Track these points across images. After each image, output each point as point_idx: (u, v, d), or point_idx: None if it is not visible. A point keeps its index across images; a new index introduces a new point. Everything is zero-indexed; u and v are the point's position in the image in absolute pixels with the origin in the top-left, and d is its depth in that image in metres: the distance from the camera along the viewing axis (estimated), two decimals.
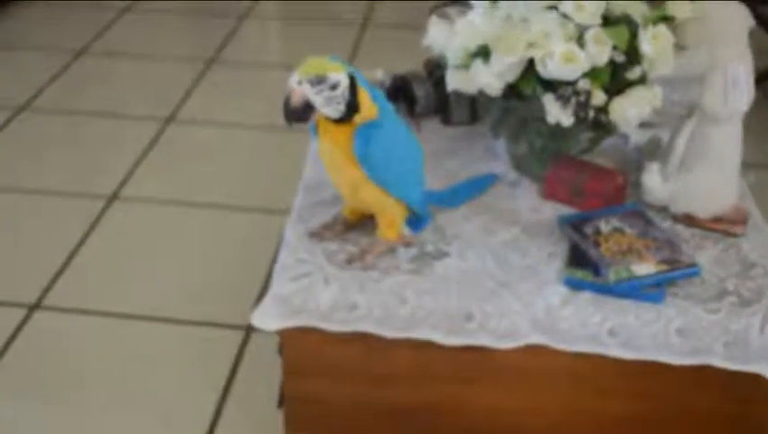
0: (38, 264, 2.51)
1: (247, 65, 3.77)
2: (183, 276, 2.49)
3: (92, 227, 2.68)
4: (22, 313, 2.33)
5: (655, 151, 1.75)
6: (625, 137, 1.81)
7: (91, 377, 2.15)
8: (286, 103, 1.33)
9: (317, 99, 1.33)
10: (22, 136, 3.19)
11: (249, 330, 2.24)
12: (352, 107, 1.36)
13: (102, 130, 3.24)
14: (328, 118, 1.37)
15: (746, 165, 1.67)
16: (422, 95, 1.88)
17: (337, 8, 4.37)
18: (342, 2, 4.43)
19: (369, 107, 1.38)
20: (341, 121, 1.37)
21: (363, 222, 1.56)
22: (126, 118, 3.32)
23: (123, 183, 2.89)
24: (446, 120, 1.89)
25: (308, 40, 4.00)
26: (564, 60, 1.48)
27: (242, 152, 3.12)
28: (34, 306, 2.36)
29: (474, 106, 1.86)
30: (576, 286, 1.47)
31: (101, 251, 2.59)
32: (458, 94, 1.71)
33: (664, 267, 1.47)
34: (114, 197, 2.83)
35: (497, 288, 1.48)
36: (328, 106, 1.34)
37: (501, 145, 1.80)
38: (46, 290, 2.42)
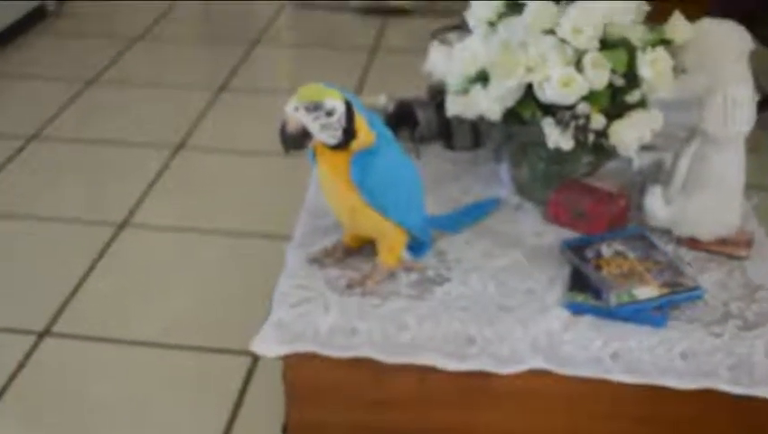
0: (47, 291, 2.52)
1: (257, 92, 3.79)
2: (192, 302, 2.49)
3: (101, 254, 2.69)
4: (31, 340, 2.34)
5: (658, 174, 1.74)
6: (628, 160, 1.80)
7: (99, 404, 2.15)
8: (283, 130, 1.34)
9: (313, 126, 1.34)
10: (33, 164, 3.22)
11: (257, 356, 2.24)
12: (349, 133, 1.36)
13: (113, 158, 3.26)
14: (325, 145, 1.38)
15: (751, 187, 1.66)
16: (424, 120, 1.89)
17: (347, 34, 4.40)
18: (353, 28, 4.46)
19: (367, 133, 1.39)
20: (338, 147, 1.38)
21: (364, 248, 1.56)
22: (136, 146, 3.34)
23: (133, 211, 2.91)
24: (449, 145, 1.90)
25: (318, 66, 4.02)
26: (561, 84, 1.48)
27: (252, 178, 3.13)
28: (43, 334, 2.37)
29: (477, 130, 1.87)
30: (577, 310, 1.47)
31: (110, 278, 2.60)
32: (460, 119, 1.71)
33: (666, 290, 1.47)
34: (124, 224, 2.84)
35: (498, 313, 1.47)
36: (324, 132, 1.35)
37: (503, 169, 1.80)
38: (55, 317, 2.43)
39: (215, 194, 3.04)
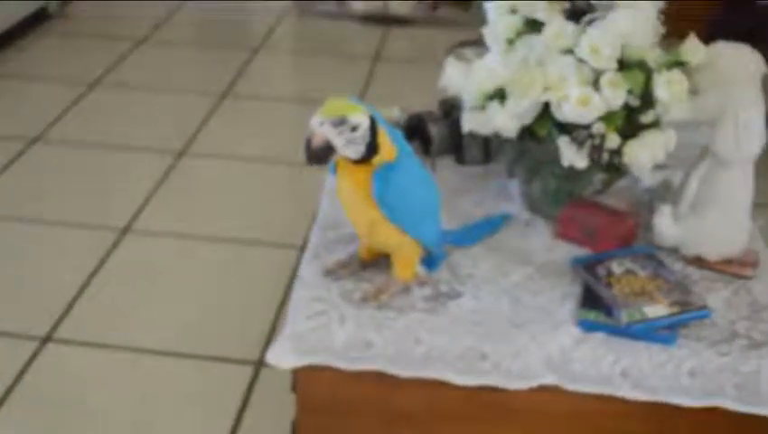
0: (50, 296, 2.53)
1: (259, 98, 3.81)
2: (194, 310, 2.50)
3: (104, 260, 2.70)
4: (33, 345, 2.34)
5: (667, 193, 1.76)
6: (637, 179, 1.82)
7: (101, 410, 2.15)
8: (308, 145, 1.35)
9: (338, 141, 1.34)
10: (35, 167, 3.22)
11: (259, 365, 2.25)
12: (372, 148, 1.37)
13: (115, 163, 3.27)
14: (348, 159, 1.39)
15: (759, 206, 1.68)
16: (436, 134, 1.90)
17: (349, 42, 4.42)
18: (355, 36, 4.47)
19: (389, 148, 1.40)
20: (360, 162, 1.39)
21: (378, 261, 1.57)
22: (138, 151, 3.34)
23: (135, 216, 2.91)
24: (460, 159, 1.91)
25: (320, 74, 4.04)
26: (579, 103, 1.50)
27: (254, 185, 3.15)
28: (46, 339, 2.37)
29: (488, 145, 1.88)
30: (589, 327, 1.48)
31: (113, 284, 2.61)
32: (472, 134, 1.72)
33: (676, 309, 1.48)
34: (126, 230, 2.84)
35: (510, 329, 1.49)
36: (349, 147, 1.36)
37: (514, 184, 1.82)
38: (57, 323, 2.43)
39: (217, 201, 3.05)
